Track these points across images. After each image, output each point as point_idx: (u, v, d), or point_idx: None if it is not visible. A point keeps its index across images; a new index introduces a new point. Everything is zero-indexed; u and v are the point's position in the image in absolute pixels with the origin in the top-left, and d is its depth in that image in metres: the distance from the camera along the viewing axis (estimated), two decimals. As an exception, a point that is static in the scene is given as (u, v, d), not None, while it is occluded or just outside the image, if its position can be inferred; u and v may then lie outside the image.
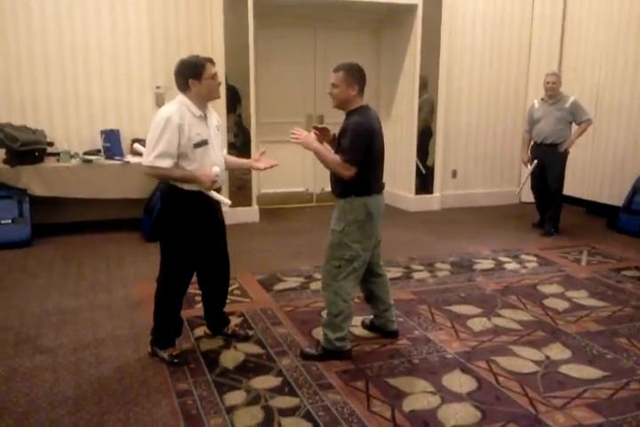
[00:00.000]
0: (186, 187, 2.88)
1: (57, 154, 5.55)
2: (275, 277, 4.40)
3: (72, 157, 5.55)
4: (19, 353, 3.11)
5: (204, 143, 2.90)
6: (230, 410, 2.57)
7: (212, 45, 5.95)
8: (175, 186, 2.89)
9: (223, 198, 3.03)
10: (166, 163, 2.80)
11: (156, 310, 3.05)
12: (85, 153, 5.62)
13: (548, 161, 5.67)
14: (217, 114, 3.18)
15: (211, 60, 2.96)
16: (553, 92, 5.61)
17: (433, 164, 6.87)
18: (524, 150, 6.00)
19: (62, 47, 5.67)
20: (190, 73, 2.91)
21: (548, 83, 5.61)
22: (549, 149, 5.66)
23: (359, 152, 2.86)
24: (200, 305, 3.79)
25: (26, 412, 2.56)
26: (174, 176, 2.86)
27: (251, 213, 6.22)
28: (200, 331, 3.40)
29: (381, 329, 3.36)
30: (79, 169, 5.38)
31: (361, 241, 2.98)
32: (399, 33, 6.77)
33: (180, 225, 2.91)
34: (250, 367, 2.97)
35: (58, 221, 5.67)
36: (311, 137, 2.97)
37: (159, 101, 6.05)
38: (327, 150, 2.99)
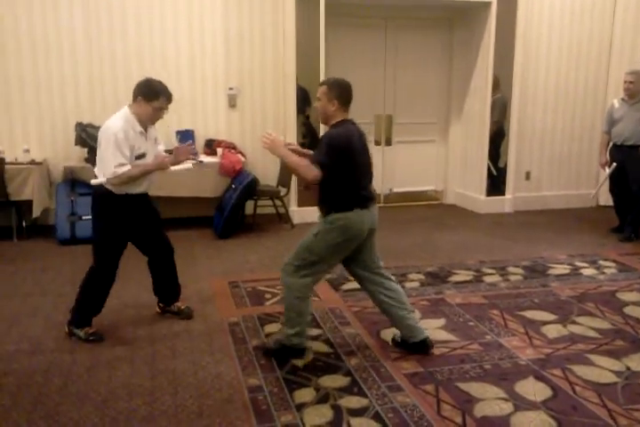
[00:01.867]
0: (116, 192, 3.21)
1: (135, 153, 5.77)
2: (342, 276, 4.40)
3: (149, 156, 5.76)
4: (99, 343, 3.25)
5: (142, 156, 3.26)
6: (300, 408, 2.59)
7: (284, 47, 6.04)
8: (110, 192, 3.20)
9: (184, 166, 3.56)
10: (126, 168, 3.15)
11: (82, 294, 3.32)
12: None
13: (628, 163, 5.43)
14: (156, 127, 3.47)
15: (169, 97, 3.30)
16: (631, 92, 5.36)
17: (505, 165, 6.70)
18: (602, 152, 5.76)
19: (141, 50, 5.90)
20: (144, 93, 3.23)
21: (625, 82, 5.37)
22: (630, 150, 5.41)
23: (326, 156, 2.85)
24: (270, 302, 3.87)
25: (105, 400, 2.68)
26: (137, 175, 3.21)
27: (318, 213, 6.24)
28: (270, 328, 3.46)
29: (405, 341, 3.14)
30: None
31: (327, 257, 2.96)
32: (472, 31, 6.65)
33: (110, 223, 3.26)
34: (319, 366, 2.99)
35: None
36: (279, 142, 2.98)
37: (232, 102, 6.20)
38: (294, 155, 2.98)
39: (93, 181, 3.27)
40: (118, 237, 3.30)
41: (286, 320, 3.07)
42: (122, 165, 3.13)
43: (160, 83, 3.30)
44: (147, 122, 3.28)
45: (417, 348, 3.11)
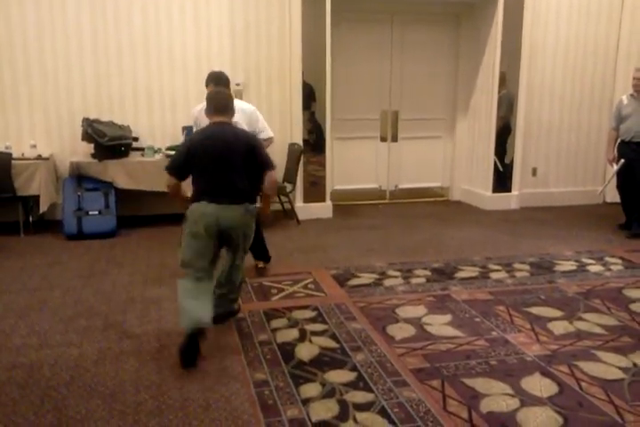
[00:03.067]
0: None
1: (141, 149, 5.79)
2: (349, 272, 4.41)
3: (156, 151, 5.78)
4: (106, 338, 3.27)
5: None
6: (306, 402, 2.60)
7: (290, 42, 6.03)
8: None
9: None
10: None
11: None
12: (168, 148, 5.83)
13: (636, 160, 5.40)
14: None
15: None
16: None
17: (511, 161, 6.68)
18: (609, 148, 5.73)
19: (148, 45, 5.91)
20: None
21: (634, 79, 5.35)
22: (638, 147, 5.39)
23: (173, 161, 3.33)
24: (276, 298, 3.89)
25: (113, 393, 2.69)
26: None
27: (324, 209, 6.26)
28: (276, 323, 3.47)
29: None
30: (162, 164, 5.53)
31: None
32: (479, 26, 6.62)
33: None
34: (325, 361, 3.00)
35: (141, 214, 5.92)
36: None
37: (238, 98, 6.18)
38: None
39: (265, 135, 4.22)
40: None
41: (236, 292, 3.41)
42: None
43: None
44: None
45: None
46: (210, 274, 3.14)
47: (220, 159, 3.11)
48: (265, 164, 3.23)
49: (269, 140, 4.34)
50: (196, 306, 2.99)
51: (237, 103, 3.58)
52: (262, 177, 3.20)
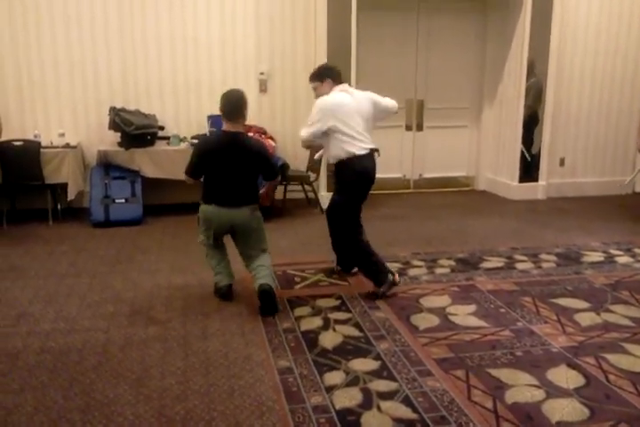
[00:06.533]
0: None
1: (167, 138, 5.83)
2: (372, 262, 4.40)
3: (181, 140, 5.81)
4: (133, 324, 3.32)
5: None
6: (330, 390, 2.61)
7: (315, 31, 5.99)
8: None
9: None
10: None
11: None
12: (193, 137, 5.85)
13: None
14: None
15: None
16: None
17: (539, 151, 6.58)
18: (639, 137, 5.61)
19: (174, 34, 5.93)
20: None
21: None
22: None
23: (189, 166, 3.57)
24: (299, 286, 3.90)
25: (139, 378, 2.73)
26: None
27: (348, 198, 6.23)
28: (299, 311, 3.48)
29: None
30: (187, 152, 5.55)
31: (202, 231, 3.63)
32: (507, 14, 6.49)
33: None
34: (348, 349, 3.00)
35: (166, 202, 5.97)
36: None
37: (262, 87, 6.20)
38: None
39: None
40: None
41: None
42: None
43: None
44: None
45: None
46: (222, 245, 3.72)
47: (230, 169, 3.43)
48: (269, 175, 3.68)
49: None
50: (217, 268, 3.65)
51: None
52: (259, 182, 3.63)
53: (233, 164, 3.43)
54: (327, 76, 3.79)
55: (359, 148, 3.65)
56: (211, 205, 3.49)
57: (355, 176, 3.68)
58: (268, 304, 3.38)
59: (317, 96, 3.81)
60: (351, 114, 3.66)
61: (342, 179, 3.79)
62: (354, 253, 3.81)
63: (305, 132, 3.77)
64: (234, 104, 3.41)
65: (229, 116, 3.42)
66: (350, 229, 3.74)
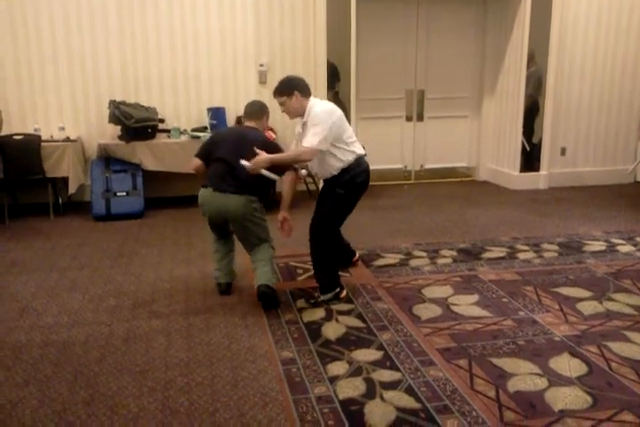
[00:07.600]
0: None
1: (167, 130, 5.82)
2: (374, 253, 4.41)
3: (182, 133, 5.80)
4: (135, 317, 3.33)
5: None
6: (333, 380, 2.62)
7: (315, 22, 5.97)
8: None
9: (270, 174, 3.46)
10: None
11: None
12: (193, 130, 5.85)
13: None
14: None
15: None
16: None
17: (540, 140, 6.56)
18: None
19: (173, 27, 5.90)
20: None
21: None
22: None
23: (200, 147, 3.72)
24: (301, 278, 3.91)
25: (143, 371, 2.74)
26: None
27: (349, 190, 6.22)
28: (301, 302, 3.48)
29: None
30: (188, 145, 5.60)
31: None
32: (507, 3, 6.45)
33: None
34: (351, 340, 3.01)
35: (167, 195, 5.97)
36: (260, 158, 3.34)
37: (262, 79, 6.18)
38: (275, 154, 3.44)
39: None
40: None
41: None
42: None
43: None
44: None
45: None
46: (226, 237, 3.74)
47: (233, 151, 3.43)
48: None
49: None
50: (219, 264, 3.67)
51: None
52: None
53: (235, 149, 3.44)
54: (294, 88, 3.47)
55: (360, 148, 3.64)
56: (207, 189, 3.48)
57: (364, 175, 3.58)
58: (268, 304, 3.40)
59: (287, 112, 3.53)
60: (345, 120, 3.58)
61: (346, 184, 3.52)
62: (323, 253, 3.57)
63: (315, 140, 3.31)
64: (250, 106, 3.72)
65: (244, 115, 3.74)
66: (332, 239, 3.65)
